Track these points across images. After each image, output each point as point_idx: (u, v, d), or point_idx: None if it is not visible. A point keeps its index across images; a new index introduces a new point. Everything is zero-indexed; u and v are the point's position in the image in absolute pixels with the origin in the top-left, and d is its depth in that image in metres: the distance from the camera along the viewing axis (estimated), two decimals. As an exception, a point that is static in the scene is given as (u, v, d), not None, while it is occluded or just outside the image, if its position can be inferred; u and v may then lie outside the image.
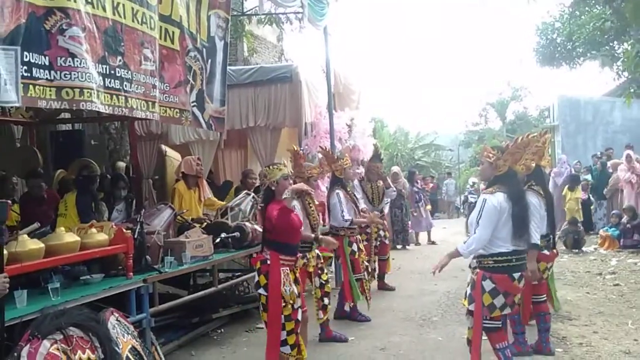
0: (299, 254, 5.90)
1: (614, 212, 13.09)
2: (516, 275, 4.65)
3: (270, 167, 5.38)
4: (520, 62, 23.34)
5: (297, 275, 5.29)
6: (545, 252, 5.72)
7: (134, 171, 9.15)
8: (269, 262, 5.05)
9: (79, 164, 8.02)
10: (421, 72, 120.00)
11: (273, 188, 5.17)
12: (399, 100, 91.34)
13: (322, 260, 6.46)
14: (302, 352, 5.22)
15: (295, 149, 6.64)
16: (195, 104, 6.39)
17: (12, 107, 5.86)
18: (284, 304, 4.96)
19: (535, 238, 5.08)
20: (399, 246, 13.60)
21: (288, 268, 5.08)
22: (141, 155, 9.67)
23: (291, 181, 5.36)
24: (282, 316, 4.98)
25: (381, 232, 9.03)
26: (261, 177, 5.45)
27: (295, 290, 5.08)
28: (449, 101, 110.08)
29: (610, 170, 14.46)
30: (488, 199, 4.65)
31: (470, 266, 5.06)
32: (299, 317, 5.14)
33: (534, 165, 5.55)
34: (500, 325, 4.73)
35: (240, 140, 11.52)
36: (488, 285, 4.63)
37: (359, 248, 7.35)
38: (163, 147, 9.73)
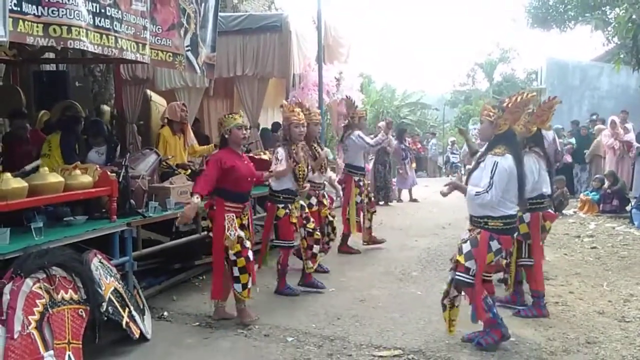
0: (280, 205, 5.99)
1: (596, 176, 13.21)
2: (515, 234, 4.89)
3: (226, 115, 5.51)
4: (514, 21, 23.27)
5: (246, 221, 5.41)
6: (550, 211, 5.78)
7: (118, 115, 9.06)
8: (215, 207, 5.28)
9: (63, 105, 7.90)
10: (411, 30, 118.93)
11: (227, 136, 5.31)
12: (388, 58, 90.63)
13: (306, 211, 6.49)
14: (249, 294, 5.43)
15: (284, 102, 6.58)
16: (189, 48, 6.29)
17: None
18: (227, 245, 5.19)
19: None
20: (381, 202, 13.67)
21: (234, 214, 5.25)
22: (126, 99, 9.57)
23: (245, 132, 5.50)
24: (232, 253, 5.21)
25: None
26: (218, 125, 5.49)
27: (242, 234, 5.25)
28: (438, 60, 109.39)
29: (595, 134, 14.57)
30: (500, 161, 4.61)
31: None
32: (250, 255, 5.29)
33: (535, 128, 5.57)
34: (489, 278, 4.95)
35: (227, 88, 11.44)
36: (495, 245, 4.69)
37: (320, 202, 7.18)
38: (148, 92, 9.63)
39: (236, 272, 5.26)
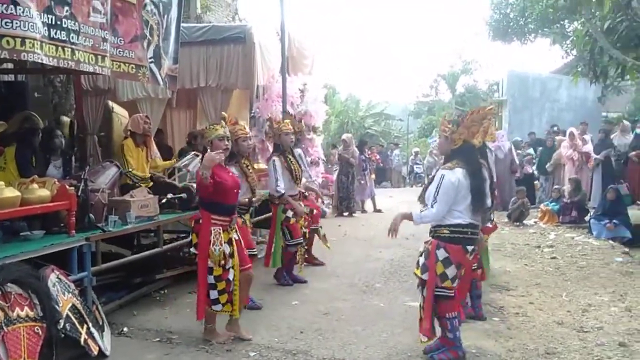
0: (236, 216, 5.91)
1: (555, 187, 13.46)
2: (469, 248, 4.74)
3: (208, 127, 5.43)
4: (476, 34, 23.67)
5: (233, 235, 5.27)
6: (488, 225, 5.83)
7: (79, 127, 8.90)
8: (201, 221, 5.17)
9: (21, 116, 7.73)
10: (374, 41, 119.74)
11: (208, 148, 5.25)
12: (352, 68, 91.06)
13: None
14: (235, 311, 5.29)
15: (224, 114, 6.51)
16: (152, 60, 6.21)
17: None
18: (211, 264, 5.07)
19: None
20: (345, 213, 13.72)
21: (220, 228, 5.13)
22: (87, 110, 9.40)
23: (228, 143, 5.30)
24: (212, 277, 5.11)
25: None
26: (199, 136, 5.47)
27: (227, 250, 5.13)
28: (401, 71, 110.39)
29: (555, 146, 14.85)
30: (446, 174, 4.68)
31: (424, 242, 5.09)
32: (231, 277, 5.17)
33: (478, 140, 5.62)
34: (452, 295, 4.80)
35: (190, 99, 11.32)
36: (442, 254, 4.69)
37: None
38: (110, 103, 9.49)
39: (215, 295, 5.14)
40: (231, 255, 5.17)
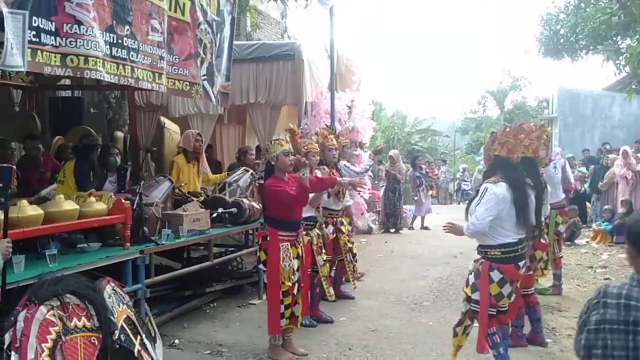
0: (303, 232, 5.93)
1: (606, 207, 13.14)
2: (521, 263, 4.72)
3: (272, 142, 5.45)
4: (526, 52, 23.39)
5: (300, 250, 5.32)
6: (542, 240, 5.74)
7: (132, 142, 9.13)
8: (268, 238, 5.16)
9: (78, 132, 7.99)
10: (422, 57, 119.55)
11: (273, 163, 5.23)
12: (399, 84, 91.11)
13: (321, 240, 6.49)
14: (296, 324, 5.36)
15: (292, 127, 6.60)
16: (205, 77, 6.33)
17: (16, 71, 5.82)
18: (282, 280, 5.08)
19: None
20: (391, 229, 13.65)
21: (288, 243, 5.16)
22: (140, 126, 9.63)
23: (291, 157, 5.35)
24: (280, 292, 5.13)
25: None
26: (262, 152, 5.50)
27: (295, 265, 5.17)
28: (449, 87, 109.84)
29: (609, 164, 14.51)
30: (490, 187, 4.66)
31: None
32: (295, 291, 5.22)
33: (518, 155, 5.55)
34: (495, 313, 4.76)
35: (239, 116, 11.50)
36: (496, 275, 4.65)
37: (338, 229, 7.04)
38: (162, 119, 9.70)
39: (281, 310, 5.19)
40: (298, 269, 5.23)
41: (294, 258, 5.18)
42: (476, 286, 4.75)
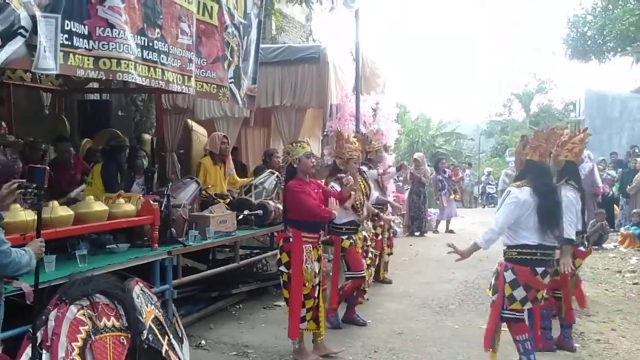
0: (344, 236, 5.94)
1: (635, 210, 12.95)
2: (539, 270, 4.62)
3: (294, 144, 5.45)
4: (553, 54, 23.17)
5: (320, 252, 5.32)
6: (581, 248, 5.67)
7: (159, 144, 9.22)
8: (291, 240, 5.17)
9: (106, 134, 8.09)
10: (446, 59, 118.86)
11: (295, 165, 5.24)
12: (423, 87, 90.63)
13: (368, 243, 6.50)
14: (321, 328, 5.32)
15: (339, 131, 6.60)
16: (232, 80, 6.38)
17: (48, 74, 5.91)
18: (305, 283, 5.07)
19: (570, 233, 5.06)
20: (416, 233, 13.59)
21: (311, 245, 5.17)
22: (166, 128, 9.72)
23: (314, 160, 5.37)
24: (302, 295, 5.10)
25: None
26: (284, 154, 5.51)
27: (316, 268, 5.16)
28: (474, 90, 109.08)
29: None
30: (513, 191, 4.66)
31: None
32: (316, 294, 5.21)
33: (563, 160, 5.51)
34: (521, 317, 4.73)
35: (264, 118, 11.54)
36: (509, 276, 4.64)
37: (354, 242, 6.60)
38: (189, 121, 9.77)
39: (303, 312, 5.17)
40: (318, 273, 5.23)
41: (314, 260, 5.18)
42: (496, 287, 4.77)
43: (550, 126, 5.18)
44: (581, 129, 7.02)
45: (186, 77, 5.43)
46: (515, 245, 4.65)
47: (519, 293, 4.64)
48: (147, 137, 9.84)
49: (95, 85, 8.94)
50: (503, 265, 4.71)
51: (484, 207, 25.86)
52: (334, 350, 5.41)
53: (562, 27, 23.53)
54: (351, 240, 6.19)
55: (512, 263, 4.65)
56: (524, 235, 4.62)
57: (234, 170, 8.16)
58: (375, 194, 7.90)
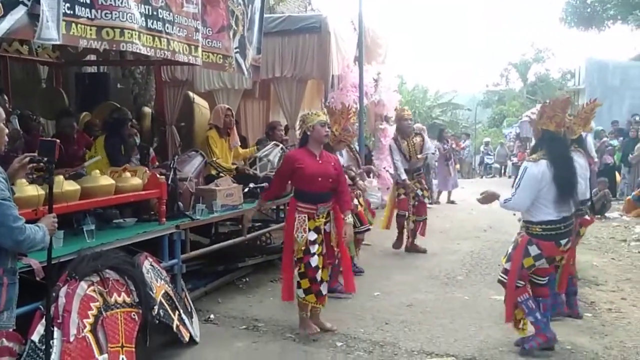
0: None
1: (639, 179, 12.93)
2: (563, 241, 4.62)
3: (310, 112, 5.44)
4: (561, 20, 22.68)
5: (322, 225, 5.18)
6: (587, 217, 5.61)
7: (158, 117, 9.08)
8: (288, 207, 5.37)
9: (107, 107, 7.93)
10: (443, 30, 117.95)
11: (309, 133, 5.19)
12: (419, 57, 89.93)
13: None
14: (319, 303, 5.26)
15: (348, 106, 6.55)
16: (237, 50, 6.21)
17: (50, 44, 5.72)
18: (293, 249, 5.14)
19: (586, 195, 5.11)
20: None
21: (306, 215, 5.12)
22: (166, 101, 9.57)
23: (328, 129, 5.29)
24: (295, 258, 5.16)
25: (419, 192, 8.59)
26: (300, 122, 5.48)
27: (311, 238, 5.08)
28: (471, 60, 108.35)
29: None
30: (529, 167, 4.59)
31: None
32: (313, 263, 5.09)
33: (580, 130, 5.47)
34: (523, 284, 4.75)
35: (264, 90, 11.37)
36: (534, 250, 4.62)
37: (359, 202, 6.95)
38: (191, 94, 9.62)
39: (297, 277, 5.16)
40: (316, 242, 5.12)
41: (310, 230, 5.08)
42: (511, 257, 4.74)
43: (563, 95, 5.09)
44: (585, 97, 6.93)
45: (193, 47, 5.25)
46: (539, 222, 4.60)
47: (541, 263, 4.67)
48: (147, 110, 9.66)
49: (93, 57, 8.74)
50: (526, 238, 4.66)
51: (482, 177, 25.88)
52: (327, 325, 5.33)
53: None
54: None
55: (537, 239, 4.62)
56: (547, 212, 4.57)
57: (239, 143, 8.03)
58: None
